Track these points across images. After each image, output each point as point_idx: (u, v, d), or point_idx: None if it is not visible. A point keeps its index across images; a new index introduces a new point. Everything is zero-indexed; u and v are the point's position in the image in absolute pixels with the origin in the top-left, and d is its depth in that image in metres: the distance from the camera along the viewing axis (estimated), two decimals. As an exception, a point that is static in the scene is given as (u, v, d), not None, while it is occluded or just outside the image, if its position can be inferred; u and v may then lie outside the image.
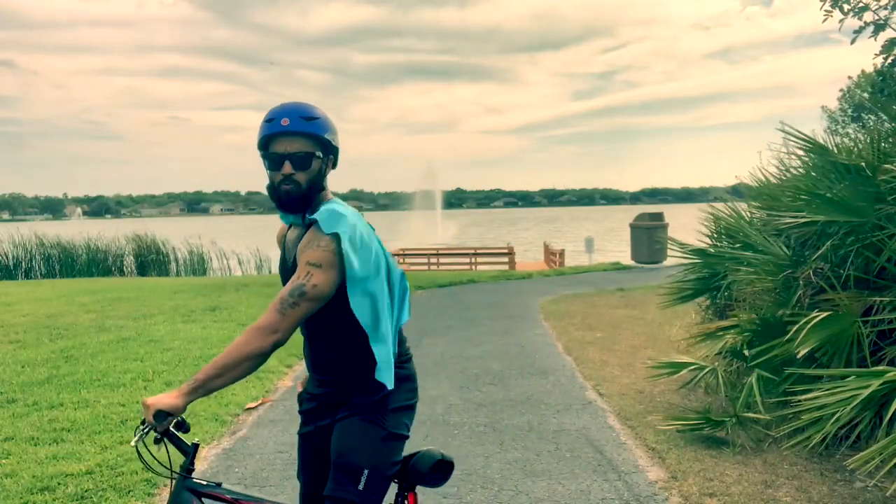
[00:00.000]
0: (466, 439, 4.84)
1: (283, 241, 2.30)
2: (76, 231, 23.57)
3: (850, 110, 28.54)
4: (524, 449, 4.62)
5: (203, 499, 2.06)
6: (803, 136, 5.33)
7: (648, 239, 19.64)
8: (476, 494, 3.88)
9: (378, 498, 2.08)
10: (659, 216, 20.58)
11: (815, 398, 3.78)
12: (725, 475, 4.07)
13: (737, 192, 7.11)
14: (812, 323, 4.25)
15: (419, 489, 2.27)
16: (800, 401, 3.92)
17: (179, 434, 2.01)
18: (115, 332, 8.89)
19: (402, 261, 25.61)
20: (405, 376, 2.23)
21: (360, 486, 2.04)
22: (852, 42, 8.06)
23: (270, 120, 2.10)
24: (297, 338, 2.23)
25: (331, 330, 2.16)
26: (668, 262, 16.31)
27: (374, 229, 2.21)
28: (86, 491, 3.90)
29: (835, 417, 3.62)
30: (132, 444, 1.92)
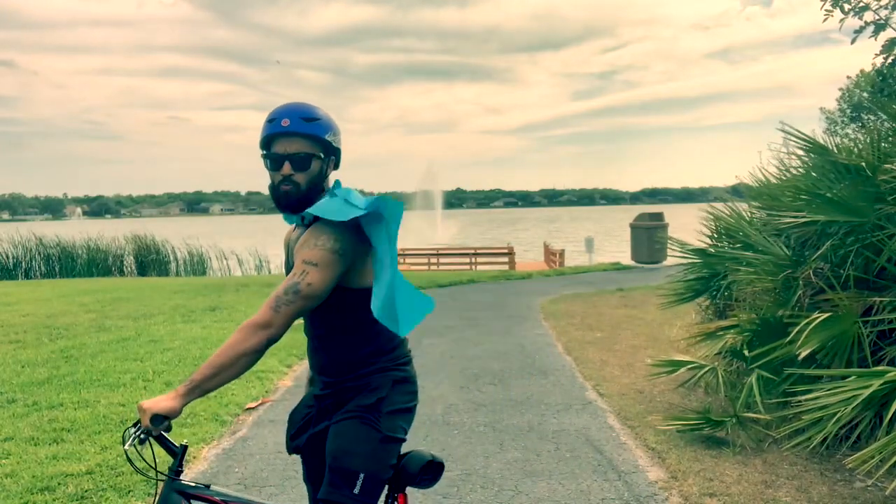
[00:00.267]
0: (466, 439, 4.84)
1: (287, 243, 2.30)
2: (76, 231, 23.59)
3: (849, 110, 28.54)
4: (524, 449, 4.62)
5: (192, 501, 2.06)
6: (803, 136, 5.33)
7: (648, 239, 19.64)
8: (476, 494, 3.88)
9: (373, 502, 2.08)
10: (659, 216, 20.59)
11: (816, 398, 3.78)
12: (725, 475, 4.07)
13: (737, 192, 7.11)
14: (813, 324, 4.25)
15: (409, 490, 2.27)
16: (800, 401, 3.92)
17: (166, 435, 1.99)
18: (115, 332, 8.90)
19: (402, 261, 25.62)
20: (404, 378, 2.22)
21: (356, 490, 2.03)
22: (852, 42, 8.05)
23: (272, 120, 2.10)
24: (299, 338, 2.23)
25: (334, 330, 2.16)
26: (668, 262, 16.31)
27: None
28: (86, 491, 3.90)
29: (835, 418, 3.62)
30: (125, 447, 1.90)
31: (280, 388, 6.31)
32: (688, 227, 8.03)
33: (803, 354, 4.19)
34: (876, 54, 8.02)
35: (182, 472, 2.05)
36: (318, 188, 2.13)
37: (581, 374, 6.70)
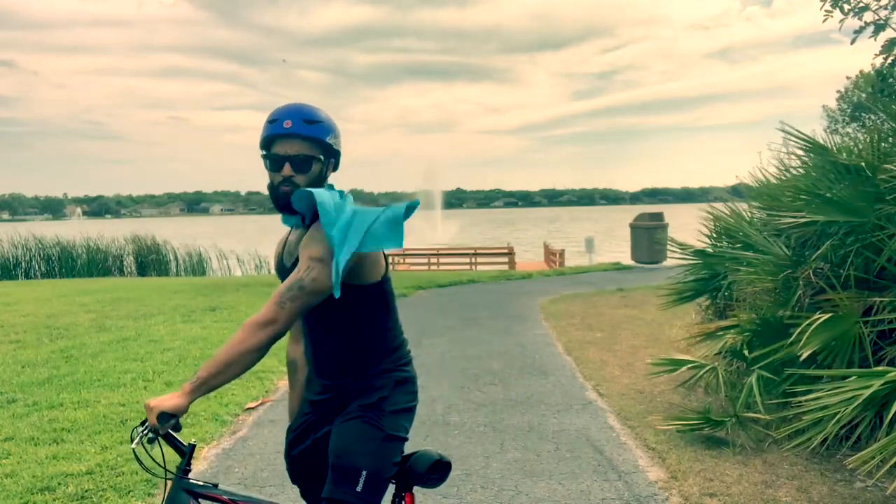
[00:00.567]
0: (466, 439, 4.84)
1: (282, 247, 2.28)
2: (76, 231, 23.57)
3: (849, 110, 28.59)
4: (524, 449, 4.62)
5: (199, 500, 2.06)
6: (803, 136, 5.33)
7: (648, 239, 19.64)
8: (476, 495, 3.88)
9: (376, 500, 2.08)
10: (659, 216, 20.59)
11: (816, 398, 3.78)
12: (725, 475, 4.07)
13: (737, 192, 7.11)
14: (814, 324, 4.25)
15: (416, 489, 2.27)
16: (800, 401, 3.92)
17: (174, 434, 1.99)
18: (115, 332, 8.90)
19: (402, 261, 25.63)
20: (405, 379, 2.22)
21: (359, 488, 2.03)
22: (852, 42, 8.05)
23: (273, 121, 2.10)
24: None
25: (334, 330, 2.15)
26: (668, 262, 16.31)
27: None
28: (86, 491, 3.90)
29: (836, 418, 3.62)
30: (132, 446, 1.90)
31: (280, 388, 6.31)
32: (688, 228, 8.04)
33: (804, 355, 4.19)
34: (876, 54, 8.01)
35: (190, 470, 2.04)
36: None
37: (581, 374, 6.70)
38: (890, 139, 5.02)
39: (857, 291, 4.49)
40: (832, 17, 7.99)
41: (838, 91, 29.16)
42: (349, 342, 2.16)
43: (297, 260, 2.09)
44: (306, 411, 2.29)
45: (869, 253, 4.53)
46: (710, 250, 6.74)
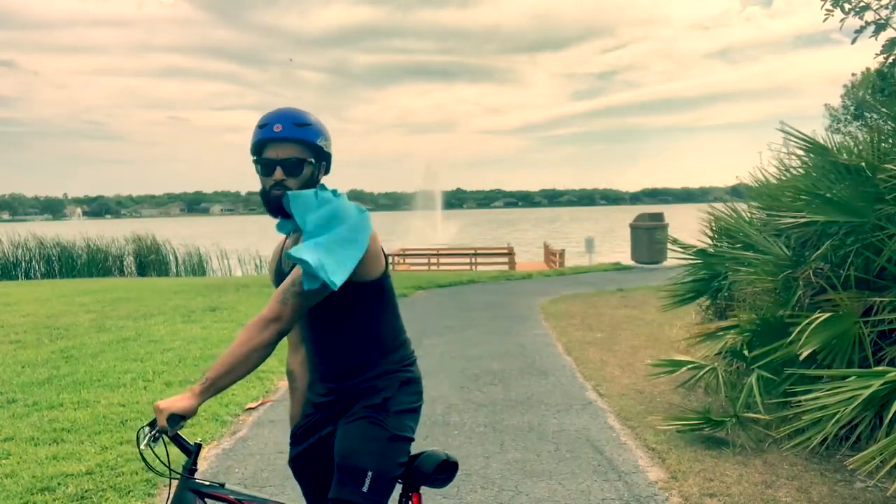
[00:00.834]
0: (466, 439, 4.84)
1: (278, 254, 2.27)
2: (76, 231, 23.57)
3: (852, 108, 28.59)
4: (524, 449, 4.62)
5: (206, 499, 2.05)
6: (803, 136, 5.33)
7: (648, 239, 19.64)
8: (476, 495, 3.88)
9: (382, 500, 2.08)
10: (659, 216, 20.58)
11: (816, 398, 3.78)
12: (725, 475, 4.07)
13: (737, 192, 7.11)
14: (813, 324, 4.25)
15: (423, 489, 2.27)
16: (800, 401, 3.92)
17: (180, 434, 1.99)
18: (115, 332, 8.89)
19: (402, 261, 25.63)
20: (409, 379, 2.23)
21: (365, 489, 2.03)
22: (853, 42, 8.04)
23: (263, 125, 2.11)
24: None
25: (335, 330, 2.15)
26: (669, 262, 16.31)
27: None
28: (86, 491, 3.90)
29: (835, 418, 3.62)
30: (141, 447, 1.89)
31: (280, 388, 6.31)
32: (688, 228, 8.03)
33: (804, 354, 4.19)
34: (876, 54, 8.01)
35: (196, 470, 2.04)
36: None
37: (581, 375, 6.70)
38: (890, 139, 5.02)
39: (857, 291, 4.49)
40: (833, 16, 7.99)
41: (844, 86, 29.17)
42: (350, 340, 2.15)
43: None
44: (309, 412, 2.29)
45: (869, 253, 4.53)
46: (711, 250, 6.74)
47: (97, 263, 21.79)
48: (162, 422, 1.86)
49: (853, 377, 3.75)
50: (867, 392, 3.55)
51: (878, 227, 4.45)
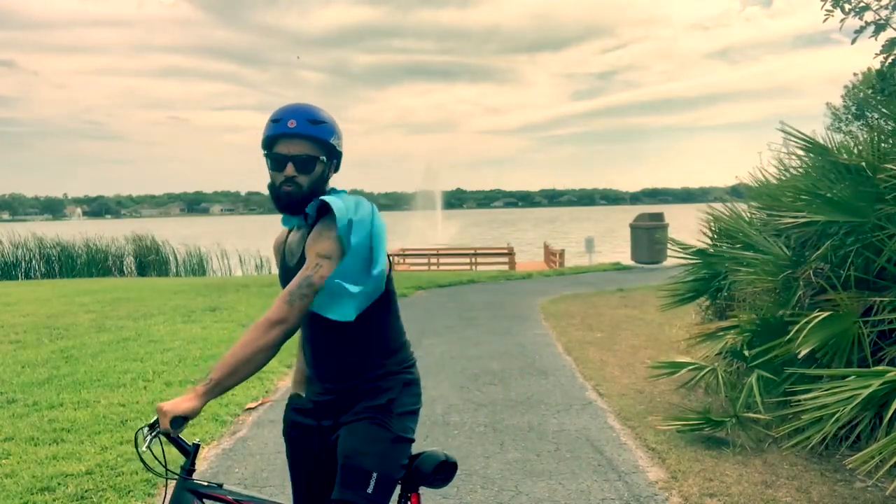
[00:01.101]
0: (466, 439, 4.84)
1: (282, 247, 2.27)
2: (76, 231, 23.58)
3: (853, 108, 28.58)
4: (524, 449, 4.62)
5: (204, 500, 2.05)
6: (803, 136, 5.33)
7: (648, 239, 19.64)
8: (476, 495, 3.88)
9: (385, 501, 2.08)
10: (659, 216, 20.58)
11: (816, 398, 3.78)
12: (725, 475, 4.07)
13: (737, 192, 7.11)
14: (813, 323, 4.25)
15: (422, 490, 2.27)
16: (800, 401, 3.92)
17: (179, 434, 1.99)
18: (115, 332, 8.90)
19: (402, 261, 25.63)
20: (410, 381, 2.23)
21: (370, 490, 2.03)
22: (853, 42, 8.04)
23: (277, 120, 2.08)
24: (294, 339, 2.22)
25: (336, 329, 2.14)
26: (669, 262, 16.30)
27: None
28: (86, 491, 3.90)
29: (835, 417, 3.62)
30: (142, 449, 1.88)
31: (280, 388, 6.31)
32: (688, 228, 8.04)
33: (803, 353, 4.20)
34: (876, 54, 8.01)
35: (194, 470, 2.02)
36: (319, 191, 2.11)
37: (581, 375, 6.70)
38: (890, 139, 5.02)
39: (857, 291, 4.49)
40: (833, 16, 7.99)
41: (845, 86, 29.16)
42: (350, 341, 2.14)
43: (300, 259, 2.09)
44: (308, 407, 2.29)
45: (869, 253, 4.53)
46: (711, 250, 6.74)
47: (97, 263, 21.81)
48: (165, 424, 1.84)
49: (853, 377, 3.75)
50: (867, 392, 3.55)
51: (878, 227, 4.45)
